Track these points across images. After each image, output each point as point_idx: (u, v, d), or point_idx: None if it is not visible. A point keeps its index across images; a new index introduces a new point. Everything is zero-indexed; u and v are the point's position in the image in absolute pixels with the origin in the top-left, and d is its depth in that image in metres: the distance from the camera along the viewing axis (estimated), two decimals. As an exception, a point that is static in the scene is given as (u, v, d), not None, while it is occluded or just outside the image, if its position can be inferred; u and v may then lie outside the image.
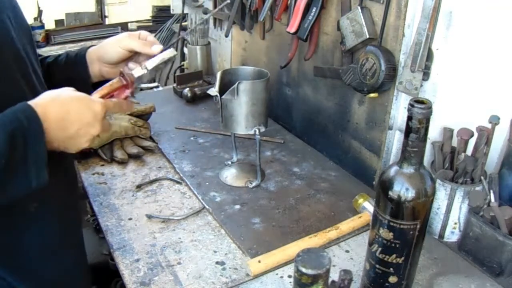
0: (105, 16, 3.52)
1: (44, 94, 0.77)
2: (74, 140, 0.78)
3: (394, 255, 0.83)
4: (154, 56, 0.95)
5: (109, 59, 0.98)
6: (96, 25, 3.26)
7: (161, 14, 3.28)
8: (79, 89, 0.84)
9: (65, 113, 0.76)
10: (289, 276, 0.99)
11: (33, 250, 0.88)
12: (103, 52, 0.99)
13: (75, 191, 1.06)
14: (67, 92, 0.79)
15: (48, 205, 0.89)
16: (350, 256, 1.06)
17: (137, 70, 0.93)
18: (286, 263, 1.02)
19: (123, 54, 0.97)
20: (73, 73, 1.00)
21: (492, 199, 1.00)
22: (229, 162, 1.42)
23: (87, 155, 1.45)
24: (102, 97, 0.87)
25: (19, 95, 0.77)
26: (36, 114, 0.72)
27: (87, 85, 1.00)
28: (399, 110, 1.21)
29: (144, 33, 0.99)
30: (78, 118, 0.77)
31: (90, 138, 0.80)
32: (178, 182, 1.33)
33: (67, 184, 0.98)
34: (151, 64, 0.94)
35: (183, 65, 2.42)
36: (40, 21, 3.15)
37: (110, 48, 0.98)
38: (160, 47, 0.95)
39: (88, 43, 2.85)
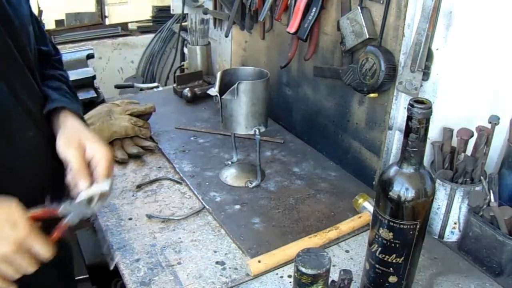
0: (105, 16, 3.52)
1: None
2: None
3: (394, 255, 0.83)
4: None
5: None
6: (96, 25, 3.26)
7: (161, 14, 3.28)
8: None
9: None
10: (289, 276, 0.99)
11: None
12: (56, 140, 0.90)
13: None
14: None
15: None
16: (350, 256, 1.06)
17: (62, 206, 0.82)
18: (286, 263, 1.02)
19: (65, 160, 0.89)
20: None
21: (492, 199, 1.00)
22: (229, 162, 1.42)
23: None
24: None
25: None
26: None
27: None
28: (399, 110, 1.21)
29: (98, 156, 0.85)
30: None
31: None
32: (178, 182, 1.33)
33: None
34: (78, 200, 0.82)
35: (183, 65, 2.42)
36: (40, 21, 3.16)
37: (58, 144, 0.88)
38: (83, 189, 0.83)
39: (88, 43, 2.85)
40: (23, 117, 0.86)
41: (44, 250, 0.75)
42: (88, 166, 0.86)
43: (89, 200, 0.82)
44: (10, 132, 0.83)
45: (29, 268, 0.75)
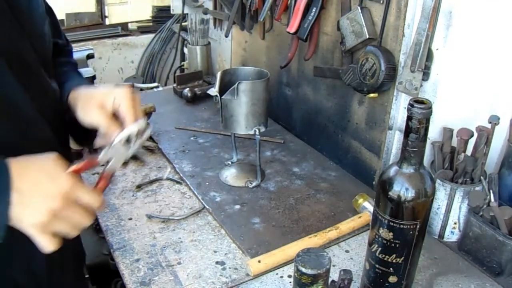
0: (105, 16, 3.52)
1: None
2: (25, 208, 0.66)
3: (394, 255, 0.83)
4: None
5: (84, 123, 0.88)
6: (96, 25, 3.26)
7: (161, 14, 3.28)
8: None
9: (23, 174, 0.67)
10: (289, 276, 0.99)
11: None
12: (77, 114, 0.88)
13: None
14: (37, 157, 0.71)
15: None
16: (350, 256, 1.06)
17: (102, 153, 0.80)
18: (286, 263, 1.02)
19: (93, 126, 0.86)
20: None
21: (492, 199, 1.00)
22: (229, 162, 1.42)
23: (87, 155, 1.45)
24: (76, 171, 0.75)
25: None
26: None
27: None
28: (399, 110, 1.21)
29: (119, 98, 0.83)
30: (34, 183, 0.67)
31: (45, 211, 0.66)
32: (178, 182, 1.33)
33: None
34: (115, 142, 0.80)
35: (183, 65, 2.42)
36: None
37: (80, 115, 0.87)
38: (119, 133, 0.81)
39: (88, 43, 2.85)
40: (46, 129, 0.85)
41: (93, 199, 0.72)
42: (116, 117, 0.84)
43: (127, 140, 0.81)
44: (30, 137, 0.81)
45: (84, 221, 0.72)
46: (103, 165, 0.80)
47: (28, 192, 0.67)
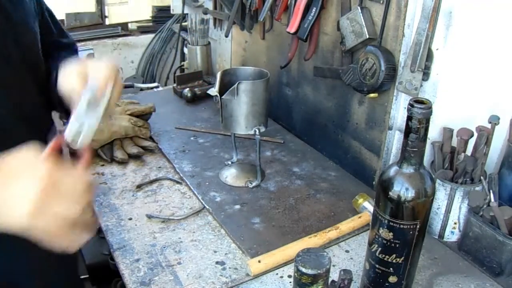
0: (105, 16, 3.52)
1: None
2: (7, 201, 0.62)
3: (394, 255, 0.83)
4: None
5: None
6: (96, 25, 3.26)
7: (161, 14, 3.28)
8: None
9: None
10: (289, 276, 0.99)
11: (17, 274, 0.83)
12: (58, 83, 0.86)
13: None
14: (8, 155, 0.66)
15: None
16: (350, 256, 1.06)
17: (68, 127, 0.75)
18: (286, 263, 1.02)
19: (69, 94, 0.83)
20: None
21: (492, 199, 1.00)
22: (229, 162, 1.42)
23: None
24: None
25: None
26: None
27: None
28: (399, 110, 1.21)
29: (98, 68, 0.81)
30: (9, 179, 0.63)
31: (30, 197, 0.61)
32: (178, 182, 1.33)
33: None
34: (78, 107, 0.75)
35: (183, 65, 2.42)
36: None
37: (60, 83, 0.84)
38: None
39: (88, 43, 2.85)
40: (21, 125, 0.84)
41: (78, 174, 0.68)
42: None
43: (92, 102, 0.73)
44: (6, 142, 0.74)
45: (85, 195, 0.66)
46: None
47: (7, 190, 0.63)
